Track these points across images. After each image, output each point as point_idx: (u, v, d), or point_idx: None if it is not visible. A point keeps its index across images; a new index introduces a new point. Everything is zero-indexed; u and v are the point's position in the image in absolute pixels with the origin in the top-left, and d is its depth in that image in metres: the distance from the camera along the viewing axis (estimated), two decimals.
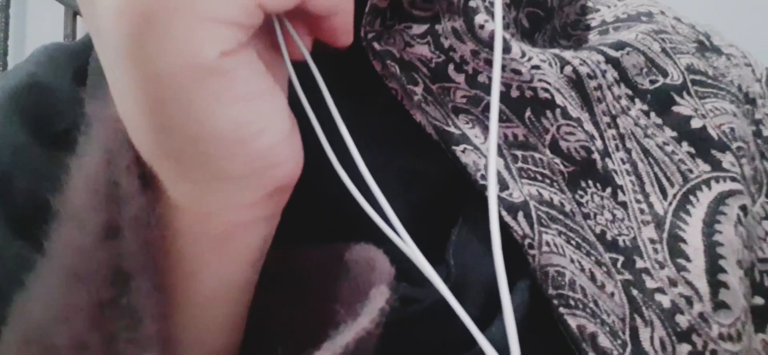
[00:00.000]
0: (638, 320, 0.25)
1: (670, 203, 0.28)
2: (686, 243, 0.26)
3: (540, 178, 0.27)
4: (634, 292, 0.25)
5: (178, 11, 0.18)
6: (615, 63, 0.30)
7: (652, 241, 0.27)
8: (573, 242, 0.26)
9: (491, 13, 0.28)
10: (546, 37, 0.33)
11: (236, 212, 0.21)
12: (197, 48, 0.18)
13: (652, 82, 0.30)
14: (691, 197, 0.28)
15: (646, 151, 0.29)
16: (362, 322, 0.20)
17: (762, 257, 0.29)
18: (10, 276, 0.22)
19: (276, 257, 0.24)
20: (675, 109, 0.30)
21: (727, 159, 0.29)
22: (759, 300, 0.28)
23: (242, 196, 0.21)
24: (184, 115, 0.19)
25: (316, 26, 0.23)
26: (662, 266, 0.26)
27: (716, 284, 0.25)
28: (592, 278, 0.25)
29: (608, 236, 0.27)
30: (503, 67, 0.27)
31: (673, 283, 0.26)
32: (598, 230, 0.27)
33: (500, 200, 0.25)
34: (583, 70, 0.29)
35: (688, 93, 0.30)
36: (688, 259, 0.26)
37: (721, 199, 0.28)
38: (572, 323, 0.24)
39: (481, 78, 0.28)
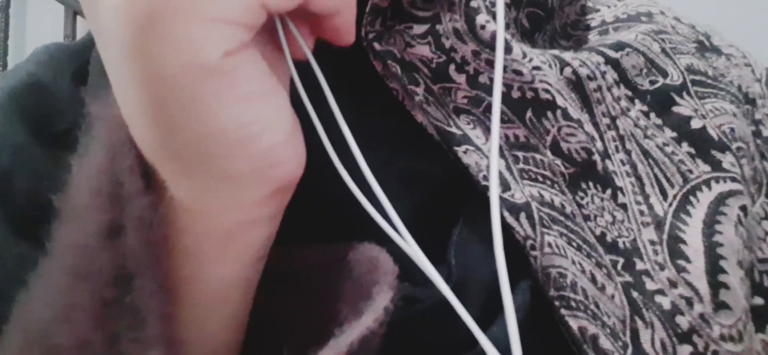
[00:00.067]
0: (639, 322, 0.25)
1: (670, 204, 0.28)
2: (686, 244, 0.26)
3: (541, 179, 0.27)
4: (635, 294, 0.25)
5: (180, 11, 0.18)
6: (614, 64, 0.30)
7: (652, 242, 0.27)
8: (574, 244, 0.26)
9: (492, 13, 0.28)
10: (546, 38, 0.33)
11: (239, 212, 0.21)
12: (200, 48, 0.18)
13: (651, 82, 0.30)
14: (691, 198, 0.28)
15: (645, 153, 0.29)
16: (366, 321, 0.20)
17: (762, 257, 0.29)
18: (11, 276, 0.22)
19: (278, 256, 0.24)
20: (675, 109, 0.30)
21: (727, 159, 0.29)
22: (759, 300, 0.28)
23: (245, 195, 0.21)
24: (186, 115, 0.19)
25: (318, 25, 0.23)
26: (662, 268, 0.26)
27: (717, 285, 0.25)
28: (593, 279, 0.25)
29: (608, 238, 0.27)
30: (504, 68, 0.27)
31: (673, 284, 0.26)
32: (598, 231, 0.27)
33: (502, 200, 0.25)
34: (583, 71, 0.29)
35: (688, 93, 0.30)
36: (688, 260, 0.26)
37: (722, 199, 0.28)
38: (574, 324, 0.24)
39: (482, 79, 0.28)
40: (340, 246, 0.24)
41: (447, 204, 0.27)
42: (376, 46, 0.27)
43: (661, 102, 0.30)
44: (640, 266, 0.26)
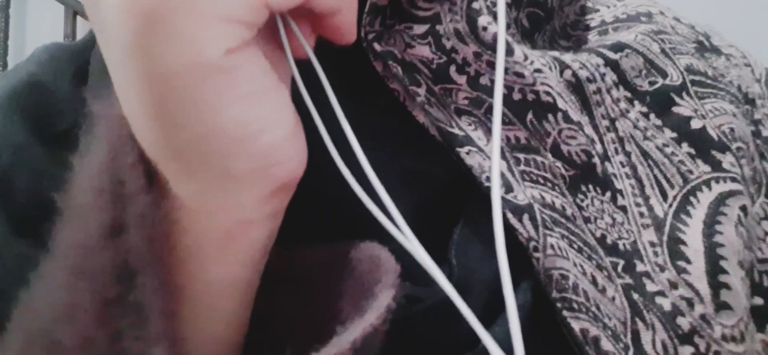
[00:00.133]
0: (640, 323, 0.25)
1: (671, 205, 0.28)
2: (686, 245, 0.26)
3: (542, 181, 0.27)
4: (635, 296, 0.25)
5: (182, 9, 0.18)
6: (614, 65, 0.30)
7: (652, 244, 0.27)
8: (575, 246, 0.26)
9: (494, 14, 0.28)
10: (545, 38, 0.33)
11: (240, 210, 0.21)
12: (202, 46, 0.18)
13: (651, 83, 0.30)
14: (692, 198, 0.28)
15: (645, 154, 0.29)
16: (369, 318, 0.20)
17: (762, 258, 0.29)
18: (12, 275, 0.22)
19: (280, 256, 0.24)
20: (675, 110, 0.30)
21: (727, 159, 0.29)
22: (759, 300, 0.28)
23: (246, 193, 0.21)
24: (188, 113, 0.19)
25: (319, 24, 0.23)
26: (663, 269, 0.26)
27: (717, 286, 0.25)
28: (594, 281, 0.25)
29: (609, 240, 0.27)
30: (506, 70, 0.27)
31: (674, 285, 0.26)
32: (598, 233, 0.27)
33: (505, 201, 0.25)
34: (583, 73, 0.29)
35: (688, 94, 0.30)
36: (688, 261, 0.26)
37: (722, 199, 0.28)
38: (576, 326, 0.24)
39: (483, 80, 0.28)
40: (342, 245, 0.24)
41: (448, 204, 0.27)
42: (377, 46, 0.27)
43: (660, 103, 0.30)
44: (640, 267, 0.26)
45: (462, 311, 0.20)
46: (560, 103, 0.27)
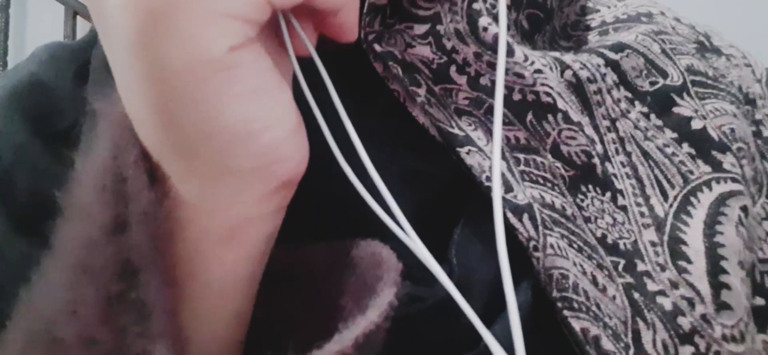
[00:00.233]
0: (640, 323, 0.25)
1: (671, 205, 0.28)
2: (687, 245, 0.26)
3: (542, 181, 0.27)
4: (636, 295, 0.25)
5: (186, 6, 0.18)
6: (614, 66, 0.30)
7: (653, 244, 0.27)
8: (575, 246, 0.26)
9: (494, 16, 0.28)
10: (545, 38, 0.33)
11: (242, 207, 0.21)
12: (205, 43, 0.18)
13: (652, 83, 0.30)
14: (692, 199, 0.28)
15: (646, 154, 0.29)
16: (371, 316, 0.20)
17: (763, 258, 0.29)
18: (13, 274, 0.22)
19: (282, 254, 0.24)
20: (675, 110, 0.30)
21: (727, 160, 0.29)
22: (760, 301, 0.28)
23: (248, 191, 0.21)
24: (191, 111, 0.19)
25: (321, 22, 0.23)
26: (663, 269, 0.26)
27: (718, 286, 0.25)
28: (594, 281, 0.25)
29: (609, 240, 0.27)
30: (506, 71, 0.27)
31: (675, 285, 0.26)
32: (599, 233, 0.27)
33: (505, 201, 0.25)
34: (584, 74, 0.29)
35: (689, 94, 0.31)
36: (689, 261, 0.26)
37: (722, 200, 0.28)
38: (576, 325, 0.24)
39: (484, 81, 0.28)
40: (344, 243, 0.24)
41: (448, 204, 0.27)
42: (377, 47, 0.27)
43: (661, 103, 0.30)
44: (641, 267, 0.26)
45: (464, 309, 0.20)
46: (560, 104, 0.27)
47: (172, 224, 0.21)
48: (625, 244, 0.27)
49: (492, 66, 0.27)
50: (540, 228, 0.25)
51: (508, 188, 0.26)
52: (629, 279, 0.26)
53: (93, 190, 0.21)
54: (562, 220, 0.26)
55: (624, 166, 0.28)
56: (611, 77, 0.30)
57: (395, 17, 0.28)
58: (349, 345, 0.19)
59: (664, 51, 0.31)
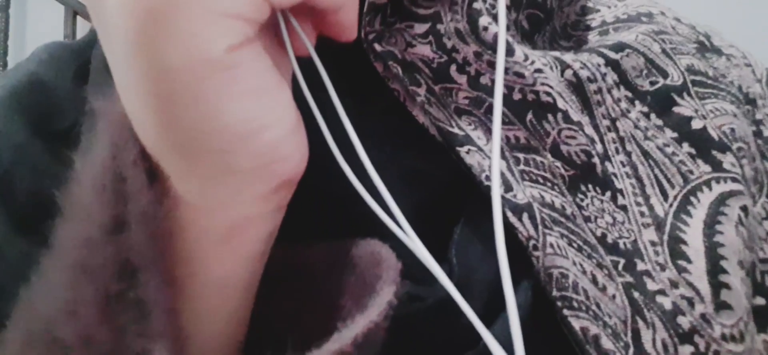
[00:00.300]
0: (640, 322, 0.25)
1: (671, 205, 0.28)
2: (687, 245, 0.26)
3: (541, 181, 0.27)
4: (636, 294, 0.25)
5: (185, 6, 0.18)
6: (615, 65, 0.30)
7: (653, 243, 0.27)
8: (575, 245, 0.26)
9: (493, 16, 0.28)
10: (545, 39, 0.33)
11: (242, 206, 0.21)
12: (205, 42, 0.18)
13: (652, 83, 0.30)
14: (692, 198, 0.28)
15: (646, 154, 0.29)
16: (370, 314, 0.20)
17: (763, 258, 0.29)
18: (13, 274, 0.22)
19: (282, 253, 0.24)
20: (675, 110, 0.30)
21: (727, 160, 0.29)
22: (760, 300, 0.28)
23: (248, 190, 0.21)
24: (191, 110, 0.19)
25: (320, 22, 0.23)
26: (663, 268, 0.26)
27: (718, 285, 0.25)
28: (594, 280, 0.25)
29: (609, 239, 0.27)
30: (506, 71, 0.27)
31: (674, 285, 0.26)
32: (599, 233, 0.27)
33: (505, 200, 0.25)
34: (584, 73, 0.29)
35: (689, 94, 0.31)
36: (689, 260, 0.26)
37: (722, 200, 0.28)
38: (576, 325, 0.24)
39: (484, 80, 0.28)
40: (343, 243, 0.24)
41: (448, 204, 0.27)
42: (377, 47, 0.27)
43: (661, 103, 0.30)
44: (640, 266, 0.26)
45: (463, 308, 0.20)
46: (560, 104, 0.28)
47: (172, 224, 0.21)
48: (624, 243, 0.27)
49: (492, 65, 0.27)
50: (540, 227, 0.25)
51: (507, 187, 0.26)
52: (629, 278, 0.26)
53: (92, 189, 0.21)
54: (562, 219, 0.26)
55: (624, 165, 0.28)
56: (611, 77, 0.30)
57: (396, 16, 0.28)
58: (348, 344, 0.19)
59: (664, 51, 0.31)
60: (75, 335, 0.20)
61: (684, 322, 0.25)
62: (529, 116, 0.28)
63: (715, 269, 0.26)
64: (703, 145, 0.29)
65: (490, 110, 0.28)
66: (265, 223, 0.22)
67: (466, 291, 0.21)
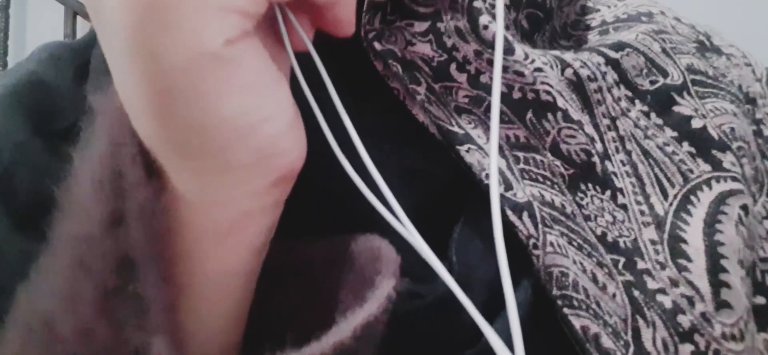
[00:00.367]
0: (640, 321, 0.25)
1: (671, 204, 0.28)
2: (687, 243, 0.26)
3: (541, 179, 0.27)
4: (636, 293, 0.25)
5: (182, 0, 0.18)
6: (615, 64, 0.30)
7: (653, 242, 0.27)
8: (575, 244, 0.26)
9: (492, 14, 0.28)
10: (545, 38, 0.33)
11: (240, 201, 0.21)
12: (202, 36, 0.18)
13: (652, 82, 0.30)
14: (692, 197, 0.28)
15: (646, 153, 0.29)
16: (370, 307, 0.20)
17: (763, 257, 0.29)
18: (13, 272, 0.22)
19: (281, 250, 0.24)
20: (675, 109, 0.30)
21: (727, 159, 0.29)
22: (761, 299, 0.28)
23: (246, 185, 0.21)
24: (189, 105, 0.19)
25: (318, 17, 0.23)
26: (663, 267, 0.26)
27: (718, 284, 0.25)
28: (594, 279, 0.25)
29: (609, 238, 0.27)
30: (506, 69, 0.27)
31: (675, 283, 0.26)
32: (598, 231, 0.27)
33: (505, 199, 0.25)
34: (584, 72, 0.29)
35: (689, 93, 0.31)
36: (689, 259, 0.26)
37: (722, 199, 0.28)
38: (576, 323, 0.24)
39: (484, 79, 0.28)
40: (342, 238, 0.24)
41: (448, 203, 0.27)
42: (377, 45, 0.27)
43: (661, 102, 0.30)
44: (641, 265, 0.26)
45: (463, 303, 0.20)
46: (560, 102, 0.28)
47: (171, 220, 0.21)
48: (625, 242, 0.27)
49: (492, 64, 0.27)
50: (539, 226, 0.25)
51: (507, 186, 0.26)
52: (629, 277, 0.26)
53: (90, 185, 0.21)
54: (562, 218, 0.26)
55: (624, 164, 0.28)
56: (611, 76, 0.30)
57: (395, 14, 0.28)
58: (347, 336, 0.19)
59: (664, 50, 0.31)
60: (74, 330, 0.20)
61: (684, 321, 0.25)
62: (529, 115, 0.28)
63: (715, 267, 0.26)
64: (703, 145, 0.29)
65: (490, 109, 0.28)
66: (264, 218, 0.22)
67: (466, 290, 0.21)
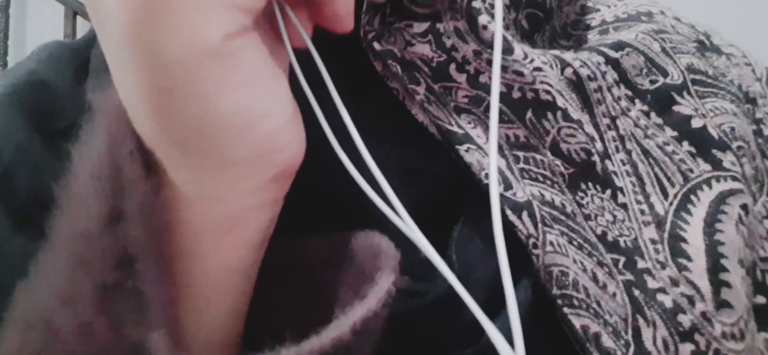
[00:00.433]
0: (640, 320, 0.25)
1: (671, 203, 0.28)
2: (687, 243, 0.26)
3: (541, 179, 0.27)
4: (636, 292, 0.25)
5: None
6: (615, 64, 0.30)
7: (653, 241, 0.27)
8: (575, 243, 0.26)
9: (491, 14, 0.28)
10: (545, 38, 0.33)
11: (239, 197, 0.21)
12: (200, 31, 0.18)
13: (652, 82, 0.30)
14: (692, 197, 0.28)
15: (646, 152, 0.29)
16: (369, 303, 0.20)
17: (763, 256, 0.29)
18: (12, 271, 0.22)
19: (281, 247, 0.24)
20: (675, 108, 0.30)
21: (727, 158, 0.29)
22: (761, 299, 0.28)
23: (245, 180, 0.21)
24: (188, 100, 0.19)
25: (316, 13, 0.23)
26: (664, 266, 0.26)
27: (718, 284, 0.25)
28: (594, 278, 0.25)
29: (609, 237, 0.27)
30: (505, 69, 0.28)
31: (675, 283, 0.26)
32: (599, 231, 0.27)
33: (505, 198, 0.25)
34: (584, 71, 0.29)
35: (689, 93, 0.31)
36: (689, 258, 0.26)
37: (722, 198, 0.28)
38: (576, 323, 0.24)
39: (483, 78, 0.28)
40: (342, 235, 0.24)
41: (448, 203, 0.27)
42: (376, 46, 0.27)
43: (661, 101, 0.30)
44: (641, 264, 0.26)
45: (464, 298, 0.19)
46: (560, 102, 0.28)
47: (169, 215, 0.21)
48: (625, 241, 0.27)
49: (491, 64, 0.27)
50: (539, 225, 0.25)
51: (507, 185, 0.26)
52: (629, 276, 0.26)
53: (89, 180, 0.21)
54: (562, 217, 0.26)
55: (624, 163, 0.28)
56: (611, 75, 0.30)
57: (395, 15, 0.28)
58: (346, 331, 0.19)
59: (664, 50, 0.31)
60: (73, 325, 0.20)
61: (685, 320, 0.25)
62: (529, 114, 0.28)
63: (715, 267, 0.26)
64: (703, 144, 0.29)
65: (489, 108, 0.28)
66: (263, 214, 0.22)
67: (466, 289, 0.20)
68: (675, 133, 0.29)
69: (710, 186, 0.28)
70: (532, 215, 0.25)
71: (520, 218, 0.25)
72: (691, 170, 0.28)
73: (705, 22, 0.36)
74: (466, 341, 0.23)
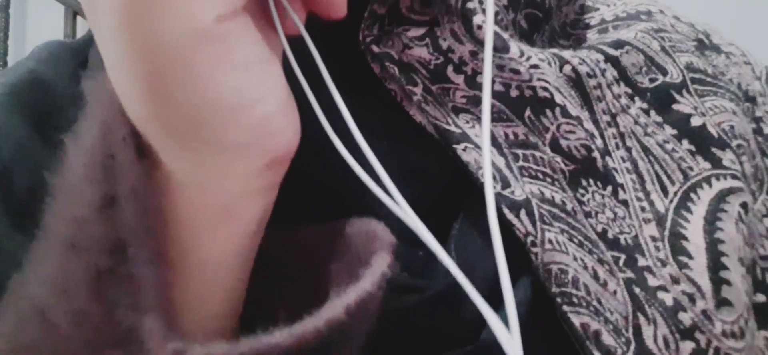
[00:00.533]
0: (641, 318, 0.25)
1: (671, 201, 0.28)
2: (688, 241, 0.26)
3: (541, 176, 0.27)
4: (637, 290, 0.25)
5: None
6: (614, 62, 0.30)
7: (654, 239, 0.27)
8: (575, 240, 0.26)
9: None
10: (545, 38, 0.33)
11: (234, 183, 0.21)
12: (192, 12, 0.18)
13: (651, 80, 0.31)
14: (692, 195, 0.28)
15: (646, 150, 0.29)
16: (364, 284, 0.20)
17: (763, 254, 0.29)
18: (12, 270, 0.22)
19: (277, 237, 0.23)
20: (675, 107, 0.30)
21: (727, 157, 0.29)
22: (761, 297, 0.28)
23: (239, 166, 0.20)
24: (181, 83, 0.19)
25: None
26: (664, 264, 0.26)
27: (718, 282, 0.25)
28: (595, 276, 0.25)
29: (610, 235, 0.27)
30: (502, 67, 0.28)
31: (676, 281, 0.26)
32: (599, 228, 0.27)
33: (502, 197, 0.25)
34: (583, 68, 0.29)
35: (688, 91, 0.31)
36: (690, 256, 0.26)
37: (722, 196, 0.28)
38: (576, 321, 0.24)
39: (481, 78, 0.28)
40: (339, 223, 0.24)
41: (447, 201, 0.27)
42: (374, 48, 0.27)
43: (660, 100, 0.30)
44: (641, 262, 0.26)
45: (462, 284, 0.19)
46: (558, 99, 0.28)
47: (163, 201, 0.21)
48: (625, 239, 0.27)
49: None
50: (538, 223, 0.25)
51: (505, 184, 0.26)
52: (630, 274, 0.26)
53: (82, 167, 0.21)
54: (562, 215, 0.26)
55: (624, 161, 0.28)
56: (611, 73, 0.30)
57: (393, 24, 0.28)
58: (340, 311, 0.19)
59: (663, 48, 0.31)
60: (67, 311, 0.20)
61: (685, 318, 0.25)
62: (527, 112, 0.28)
63: (715, 265, 0.26)
64: (703, 143, 0.29)
65: None
66: (258, 201, 0.22)
67: None
68: (675, 132, 0.29)
69: (710, 184, 0.28)
70: (530, 213, 0.25)
71: (517, 216, 0.25)
72: (691, 168, 0.28)
73: (704, 21, 0.36)
74: (464, 338, 0.23)
